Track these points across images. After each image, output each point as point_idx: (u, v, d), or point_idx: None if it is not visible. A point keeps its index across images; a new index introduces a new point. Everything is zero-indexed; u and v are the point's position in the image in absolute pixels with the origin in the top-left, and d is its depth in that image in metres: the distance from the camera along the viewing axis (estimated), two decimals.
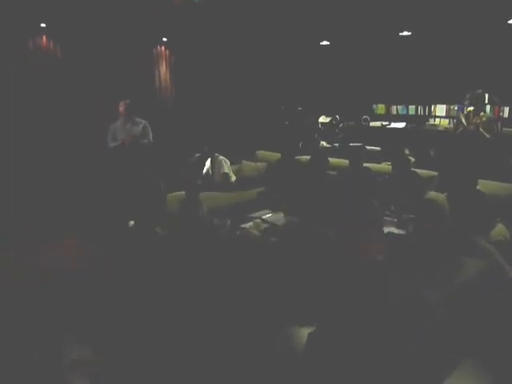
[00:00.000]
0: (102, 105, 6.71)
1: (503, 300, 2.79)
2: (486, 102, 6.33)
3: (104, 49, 6.89)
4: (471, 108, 5.35)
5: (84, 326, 3.03)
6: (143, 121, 5.24)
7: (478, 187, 3.58)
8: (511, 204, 3.60)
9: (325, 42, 7.87)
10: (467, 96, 5.24)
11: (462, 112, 5.81)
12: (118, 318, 3.18)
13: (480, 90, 5.33)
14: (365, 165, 4.80)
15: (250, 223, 3.69)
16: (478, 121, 5.09)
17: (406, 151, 6.21)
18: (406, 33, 6.81)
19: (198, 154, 5.29)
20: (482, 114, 5.21)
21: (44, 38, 6.62)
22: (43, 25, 6.56)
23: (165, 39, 7.81)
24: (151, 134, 5.25)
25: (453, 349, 2.54)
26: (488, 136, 5.05)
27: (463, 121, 5.23)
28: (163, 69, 7.88)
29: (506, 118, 6.28)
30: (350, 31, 7.12)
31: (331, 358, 2.48)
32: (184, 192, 4.20)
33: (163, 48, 7.88)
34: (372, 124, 7.54)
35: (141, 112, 5.31)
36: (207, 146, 5.19)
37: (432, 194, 3.86)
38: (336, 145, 7.26)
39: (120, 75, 6.96)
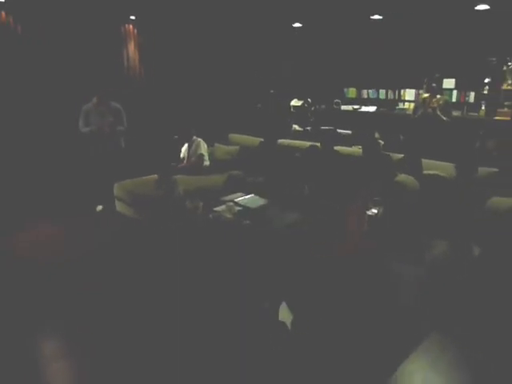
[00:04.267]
0: (67, 86, 6.48)
1: (469, 277, 2.91)
2: (454, 86, 6.51)
3: (68, 26, 6.58)
4: (427, 94, 5.47)
5: (59, 316, 2.98)
6: (117, 105, 5.02)
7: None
8: (477, 186, 3.71)
9: (297, 25, 7.82)
10: (425, 80, 5.36)
11: (421, 96, 5.95)
12: (93, 302, 3.13)
13: (437, 75, 5.45)
14: (336, 148, 4.88)
15: (223, 206, 3.69)
16: (436, 104, 5.21)
17: (376, 135, 6.33)
18: (377, 17, 6.84)
19: (176, 136, 5.22)
20: (438, 96, 5.33)
21: (3, 13, 6.25)
22: (2, 0, 6.19)
23: (133, 17, 7.54)
24: (125, 119, 5.08)
25: (421, 322, 2.64)
26: (445, 119, 5.18)
27: (422, 105, 5.36)
28: (131, 48, 7.63)
29: (471, 103, 6.46)
30: (323, 14, 7.09)
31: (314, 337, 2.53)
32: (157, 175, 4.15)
33: (131, 27, 7.61)
34: (343, 107, 7.60)
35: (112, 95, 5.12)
36: (192, 129, 5.14)
37: (402, 176, 3.94)
38: (308, 128, 7.29)
39: (85, 54, 6.69)
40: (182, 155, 5.19)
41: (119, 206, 4.79)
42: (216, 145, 5.66)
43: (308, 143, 5.16)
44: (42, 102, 6.35)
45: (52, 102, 6.36)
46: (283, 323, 2.61)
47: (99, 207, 5.12)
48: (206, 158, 5.12)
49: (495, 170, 3.92)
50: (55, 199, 5.30)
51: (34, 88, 6.35)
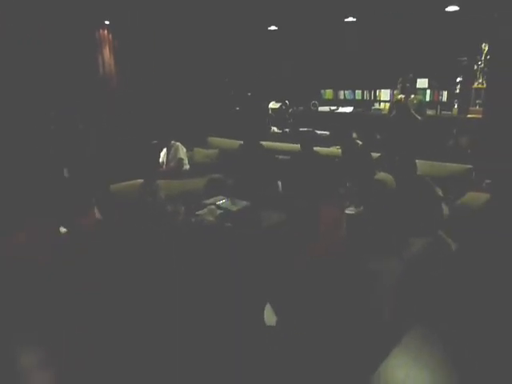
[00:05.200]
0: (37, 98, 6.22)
1: (448, 272, 2.98)
2: (427, 86, 6.65)
3: (40, 33, 6.43)
4: (402, 95, 5.57)
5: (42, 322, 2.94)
6: (80, 125, 4.77)
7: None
8: (452, 183, 3.81)
9: (273, 28, 7.87)
10: (399, 80, 5.46)
11: (395, 96, 6.06)
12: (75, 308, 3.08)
13: (411, 75, 5.57)
14: (315, 149, 4.92)
15: (205, 210, 3.68)
16: (409, 104, 5.32)
17: (354, 135, 6.41)
18: (351, 19, 6.95)
19: (155, 141, 5.18)
20: (412, 96, 5.45)
21: None
22: None
23: (107, 22, 7.45)
24: (92, 139, 4.88)
25: (402, 317, 2.69)
26: (419, 118, 5.29)
27: (396, 105, 5.47)
28: (107, 54, 7.53)
29: (444, 102, 6.62)
30: (298, 17, 7.16)
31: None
32: (142, 180, 4.12)
33: (106, 32, 7.52)
34: (321, 109, 7.68)
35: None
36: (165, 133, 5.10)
37: (381, 174, 4.01)
38: (287, 130, 7.34)
39: (59, 61, 6.55)
40: (160, 160, 5.16)
41: (98, 213, 4.72)
42: (195, 148, 5.63)
43: (289, 145, 5.22)
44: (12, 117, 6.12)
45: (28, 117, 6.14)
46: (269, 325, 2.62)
47: (62, 229, 4.69)
48: (186, 161, 5.10)
49: (469, 166, 4.03)
50: (55, 199, 5.14)
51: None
